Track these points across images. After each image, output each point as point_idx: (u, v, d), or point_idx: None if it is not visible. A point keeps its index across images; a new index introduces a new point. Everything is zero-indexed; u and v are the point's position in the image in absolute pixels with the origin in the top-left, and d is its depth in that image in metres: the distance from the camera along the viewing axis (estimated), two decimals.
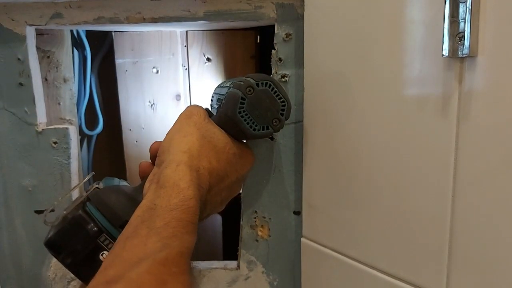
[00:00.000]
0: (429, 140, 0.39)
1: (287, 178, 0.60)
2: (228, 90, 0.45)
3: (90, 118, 0.96)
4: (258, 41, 0.78)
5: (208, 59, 0.80)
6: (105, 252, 0.44)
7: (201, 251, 1.07)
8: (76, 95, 0.79)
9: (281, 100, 0.45)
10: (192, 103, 0.55)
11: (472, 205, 0.36)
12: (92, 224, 0.44)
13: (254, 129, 0.44)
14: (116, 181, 0.51)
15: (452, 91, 0.36)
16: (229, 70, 0.78)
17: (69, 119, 0.72)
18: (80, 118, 0.89)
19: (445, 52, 0.35)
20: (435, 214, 0.39)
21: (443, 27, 0.35)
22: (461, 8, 0.34)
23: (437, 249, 0.40)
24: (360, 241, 0.48)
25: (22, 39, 0.61)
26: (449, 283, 0.39)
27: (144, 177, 0.48)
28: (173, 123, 0.46)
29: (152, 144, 0.49)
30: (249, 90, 0.43)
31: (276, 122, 0.45)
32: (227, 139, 0.45)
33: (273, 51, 0.57)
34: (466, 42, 0.34)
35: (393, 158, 0.43)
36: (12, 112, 0.63)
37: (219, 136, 0.45)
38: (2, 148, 0.64)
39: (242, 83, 0.44)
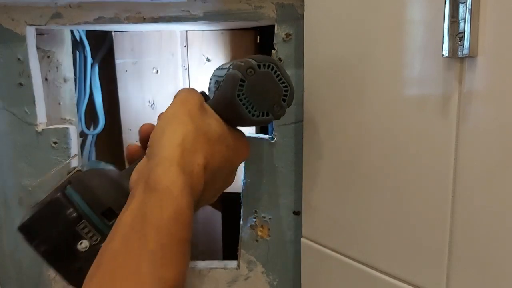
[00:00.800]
0: (429, 140, 0.39)
1: (287, 178, 0.60)
2: (227, 71, 0.42)
3: (90, 118, 0.96)
4: (258, 41, 0.78)
5: (208, 59, 0.80)
6: (83, 241, 0.40)
7: (201, 251, 1.07)
8: (76, 95, 0.79)
9: (284, 84, 0.42)
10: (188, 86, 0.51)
11: (472, 205, 0.37)
12: (71, 209, 0.40)
13: (253, 115, 0.41)
14: (102, 165, 0.47)
15: (452, 91, 0.37)
16: None
17: (69, 119, 0.72)
18: (80, 118, 0.89)
19: (445, 52, 0.35)
20: (435, 214, 0.39)
21: (443, 27, 0.35)
22: (461, 8, 0.34)
23: (437, 249, 0.40)
24: (360, 241, 0.48)
25: (22, 39, 0.61)
26: (449, 283, 0.39)
27: (132, 161, 0.45)
28: (167, 108, 0.43)
29: (142, 126, 0.46)
30: (250, 72, 0.40)
31: (277, 108, 0.42)
32: (222, 130, 0.43)
33: (273, 51, 0.57)
34: (466, 42, 0.34)
35: (393, 158, 0.43)
36: (12, 112, 0.63)
37: (214, 127, 0.42)
38: (2, 148, 0.64)
39: (242, 63, 0.40)
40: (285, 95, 0.42)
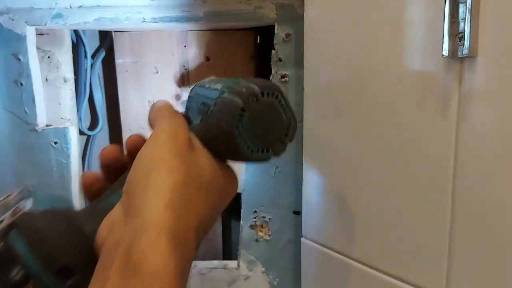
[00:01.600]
0: (429, 140, 0.39)
1: (287, 178, 0.60)
2: (221, 94, 0.36)
3: (90, 118, 0.96)
4: (258, 41, 0.78)
5: (208, 59, 0.80)
6: None
7: (201, 251, 1.06)
8: (76, 95, 0.79)
9: (288, 116, 0.36)
10: (164, 101, 0.40)
11: (472, 205, 0.37)
12: (16, 268, 0.31)
13: (252, 151, 0.34)
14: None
15: (452, 91, 0.37)
16: (229, 70, 0.78)
17: (69, 119, 0.72)
18: (80, 118, 0.89)
19: (445, 52, 0.35)
20: (435, 214, 0.39)
21: (443, 28, 0.35)
22: (461, 8, 0.34)
23: (437, 249, 0.40)
24: (360, 241, 0.48)
25: (22, 39, 0.61)
26: (449, 283, 0.39)
27: (89, 193, 0.37)
28: (149, 141, 0.34)
29: (129, 137, 0.38)
30: (252, 99, 0.34)
31: (278, 144, 0.36)
32: (213, 171, 0.35)
33: (273, 51, 0.57)
34: (466, 42, 0.34)
35: (393, 158, 0.43)
36: (12, 112, 0.63)
37: (205, 170, 0.34)
38: (2, 148, 0.64)
39: (244, 89, 0.34)
40: (288, 129, 0.36)
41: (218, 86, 0.37)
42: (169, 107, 0.38)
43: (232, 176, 0.38)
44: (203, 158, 0.34)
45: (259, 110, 0.34)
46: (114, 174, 0.36)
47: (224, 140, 0.34)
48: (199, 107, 0.38)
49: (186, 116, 0.39)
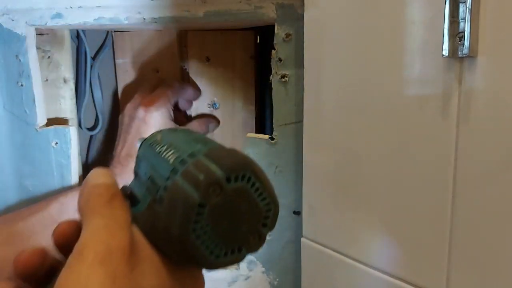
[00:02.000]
0: (429, 140, 0.39)
1: (287, 178, 0.60)
2: (173, 175, 0.25)
3: (90, 118, 0.96)
4: (258, 41, 0.78)
5: (208, 59, 0.80)
6: None
7: None
8: (76, 95, 0.79)
9: (266, 202, 0.27)
10: (100, 174, 0.30)
11: (472, 205, 0.37)
12: None
13: (218, 256, 0.25)
14: None
15: (452, 91, 0.37)
16: (229, 70, 0.78)
17: (69, 119, 0.72)
18: (80, 118, 0.89)
19: (445, 52, 0.35)
20: (435, 214, 0.39)
21: (443, 27, 0.35)
22: (461, 8, 0.34)
23: (437, 249, 0.40)
24: (360, 241, 0.48)
25: (22, 39, 0.61)
26: (449, 283, 0.39)
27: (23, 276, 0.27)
28: (73, 258, 0.23)
29: (57, 227, 0.28)
30: (214, 191, 0.24)
31: (254, 239, 0.27)
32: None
33: (273, 51, 0.57)
34: (466, 42, 0.34)
35: (393, 158, 0.43)
36: (12, 112, 0.63)
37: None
38: (1, 148, 0.64)
39: (202, 176, 0.24)
40: (267, 217, 0.27)
41: (171, 156, 0.27)
42: (105, 189, 0.27)
43: (194, 285, 0.29)
44: (150, 274, 0.25)
45: (224, 202, 0.25)
46: (39, 281, 0.27)
47: (177, 246, 0.25)
48: (147, 181, 0.28)
49: (131, 194, 0.30)
